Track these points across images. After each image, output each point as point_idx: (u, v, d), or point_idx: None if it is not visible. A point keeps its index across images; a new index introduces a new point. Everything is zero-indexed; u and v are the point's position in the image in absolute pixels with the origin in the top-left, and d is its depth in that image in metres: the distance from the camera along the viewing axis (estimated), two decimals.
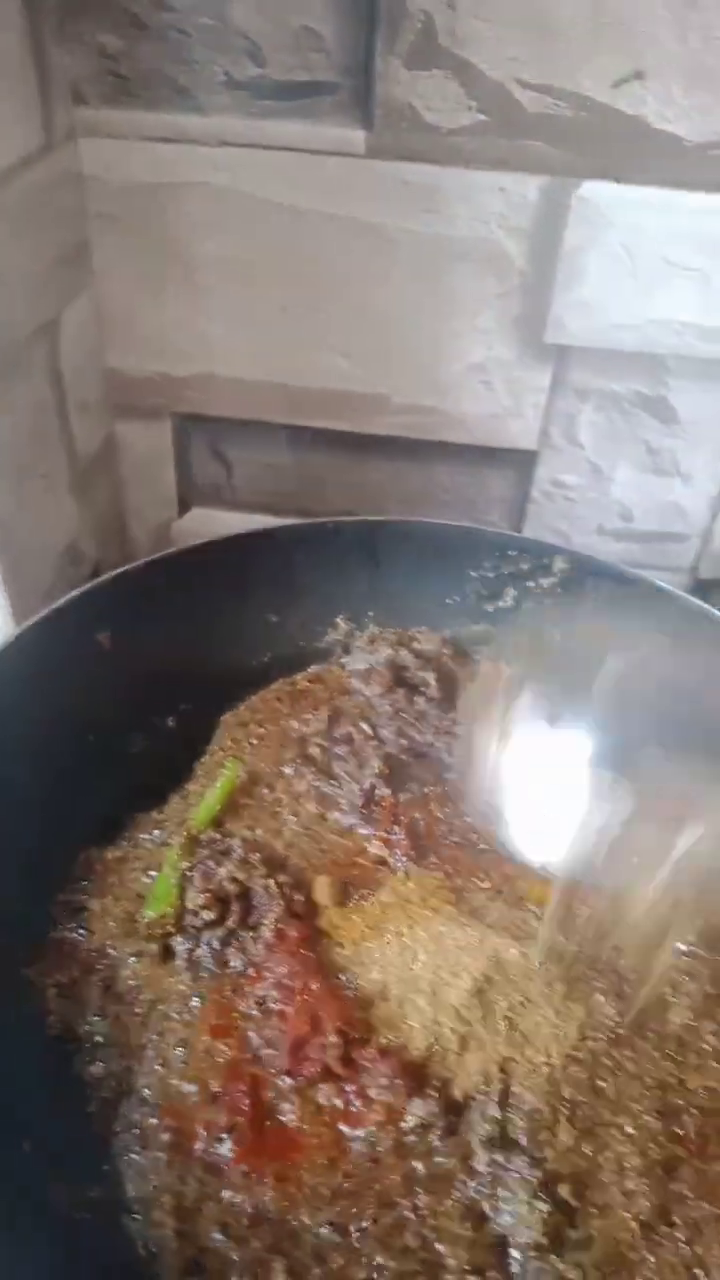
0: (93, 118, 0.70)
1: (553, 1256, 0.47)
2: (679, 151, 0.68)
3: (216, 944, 0.56)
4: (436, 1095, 0.50)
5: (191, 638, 0.69)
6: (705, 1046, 0.54)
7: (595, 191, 0.70)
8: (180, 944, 0.56)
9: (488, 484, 0.88)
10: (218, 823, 0.62)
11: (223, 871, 0.57)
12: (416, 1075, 0.50)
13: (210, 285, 0.77)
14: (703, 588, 0.89)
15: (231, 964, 0.55)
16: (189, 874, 0.57)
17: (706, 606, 0.68)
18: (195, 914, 0.56)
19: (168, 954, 0.56)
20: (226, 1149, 0.49)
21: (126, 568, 0.68)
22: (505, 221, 0.73)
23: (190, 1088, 0.51)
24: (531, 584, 0.75)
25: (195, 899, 0.56)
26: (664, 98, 0.66)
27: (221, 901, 0.57)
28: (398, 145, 0.69)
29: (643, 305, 0.75)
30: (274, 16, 0.65)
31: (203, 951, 0.56)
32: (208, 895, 0.56)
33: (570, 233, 0.72)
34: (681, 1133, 0.51)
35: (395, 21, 0.64)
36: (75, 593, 0.65)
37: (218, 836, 0.60)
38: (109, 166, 0.72)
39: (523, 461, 0.85)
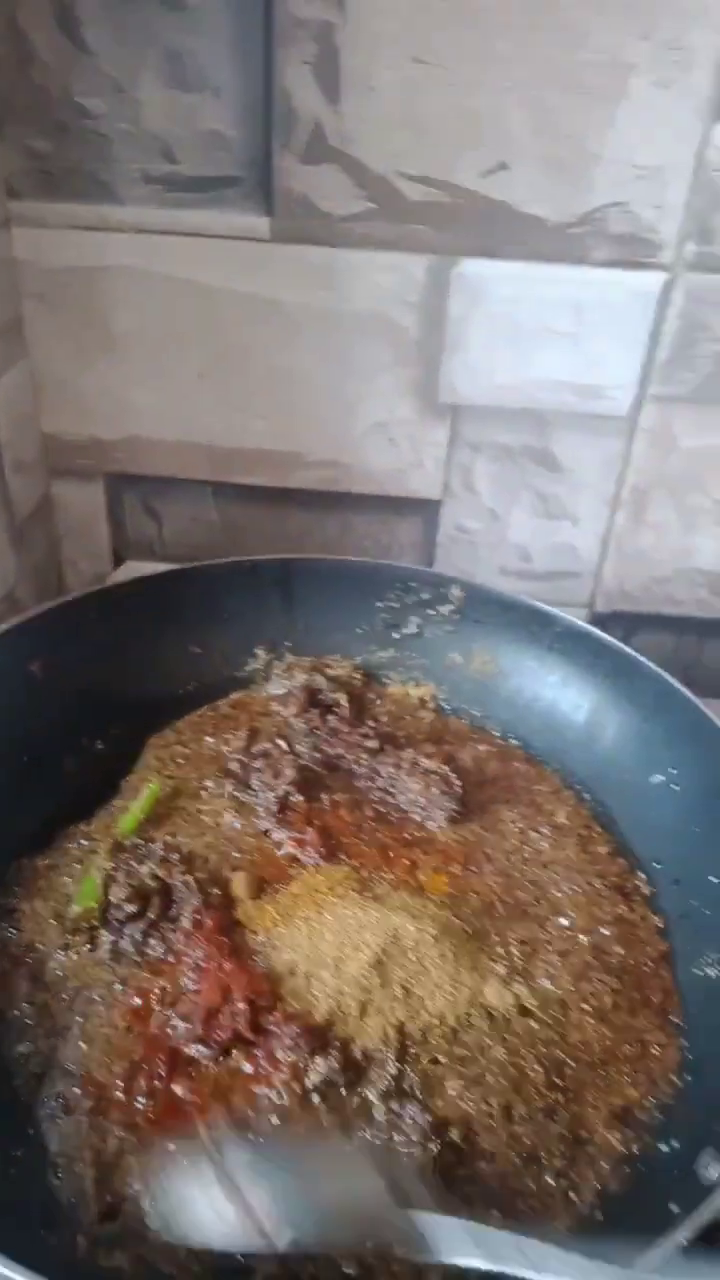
0: (24, 209, 0.79)
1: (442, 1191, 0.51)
2: (543, 230, 0.78)
3: (138, 935, 0.61)
4: (338, 1054, 0.55)
5: (120, 668, 0.75)
6: (585, 1007, 0.60)
7: (473, 268, 0.80)
8: (105, 936, 0.61)
9: (398, 531, 0.96)
10: (141, 830, 0.67)
11: (144, 870, 0.63)
12: (320, 1037, 0.55)
13: (133, 356, 0.85)
14: (599, 621, 0.97)
15: (152, 952, 0.60)
16: (113, 873, 0.62)
17: (578, 622, 0.76)
18: (119, 907, 0.61)
19: (94, 945, 0.61)
20: (145, 1112, 0.54)
21: (58, 601, 0.74)
22: (397, 296, 0.82)
23: (111, 1060, 0.55)
24: (432, 612, 0.82)
25: (119, 894, 0.61)
26: (526, 184, 0.76)
27: (143, 896, 0.62)
28: (297, 230, 0.79)
29: (522, 367, 0.84)
30: (183, 121, 0.74)
31: (125, 943, 0.60)
32: (130, 890, 0.61)
33: (453, 304, 0.81)
34: (561, 1082, 0.56)
35: (289, 124, 0.74)
36: (8, 625, 0.71)
37: (140, 841, 0.65)
38: (39, 251, 0.81)
39: (428, 509, 0.94)
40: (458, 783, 0.71)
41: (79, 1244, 0.50)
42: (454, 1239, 0.44)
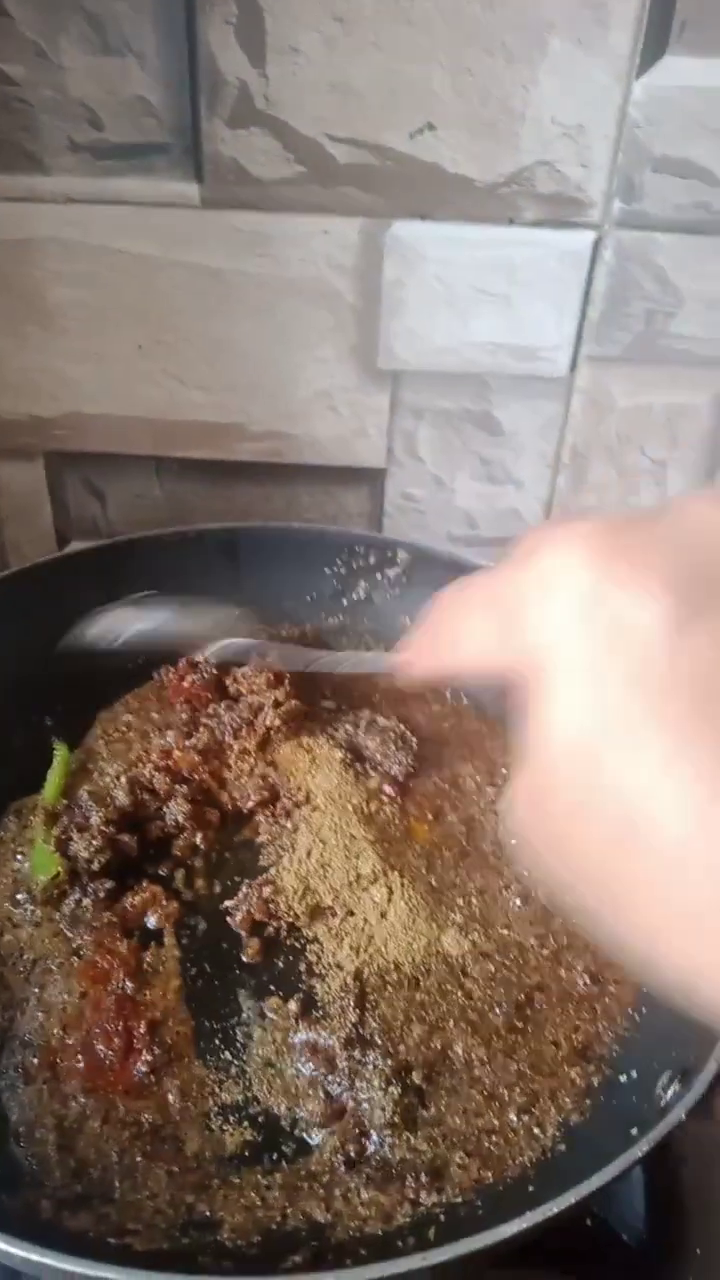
0: None
1: (406, 1133, 0.51)
2: (472, 191, 0.78)
3: (104, 892, 0.60)
4: (298, 1004, 0.55)
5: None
6: (544, 951, 0.61)
7: (406, 230, 0.80)
8: (70, 898, 0.60)
9: (345, 500, 0.96)
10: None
11: (95, 819, 0.62)
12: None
13: (69, 330, 0.84)
14: None
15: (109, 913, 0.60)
16: (64, 835, 0.62)
17: None
18: (88, 860, 0.61)
19: (58, 911, 0.60)
20: (106, 1078, 0.53)
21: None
22: (331, 261, 0.82)
23: (69, 1030, 0.55)
24: (379, 576, 0.83)
25: (82, 848, 0.61)
26: (454, 145, 0.76)
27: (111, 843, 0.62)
28: (228, 196, 0.78)
29: (460, 330, 0.85)
30: (108, 87, 0.74)
31: (88, 902, 0.60)
32: (101, 836, 0.61)
33: (388, 268, 0.82)
34: (520, 1024, 0.57)
35: (215, 89, 0.74)
36: None
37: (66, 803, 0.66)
38: None
39: (373, 478, 0.94)
40: (413, 739, 0.72)
41: (43, 1207, 0.49)
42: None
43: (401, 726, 0.72)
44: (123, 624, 0.64)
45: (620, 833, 0.26)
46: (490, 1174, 0.51)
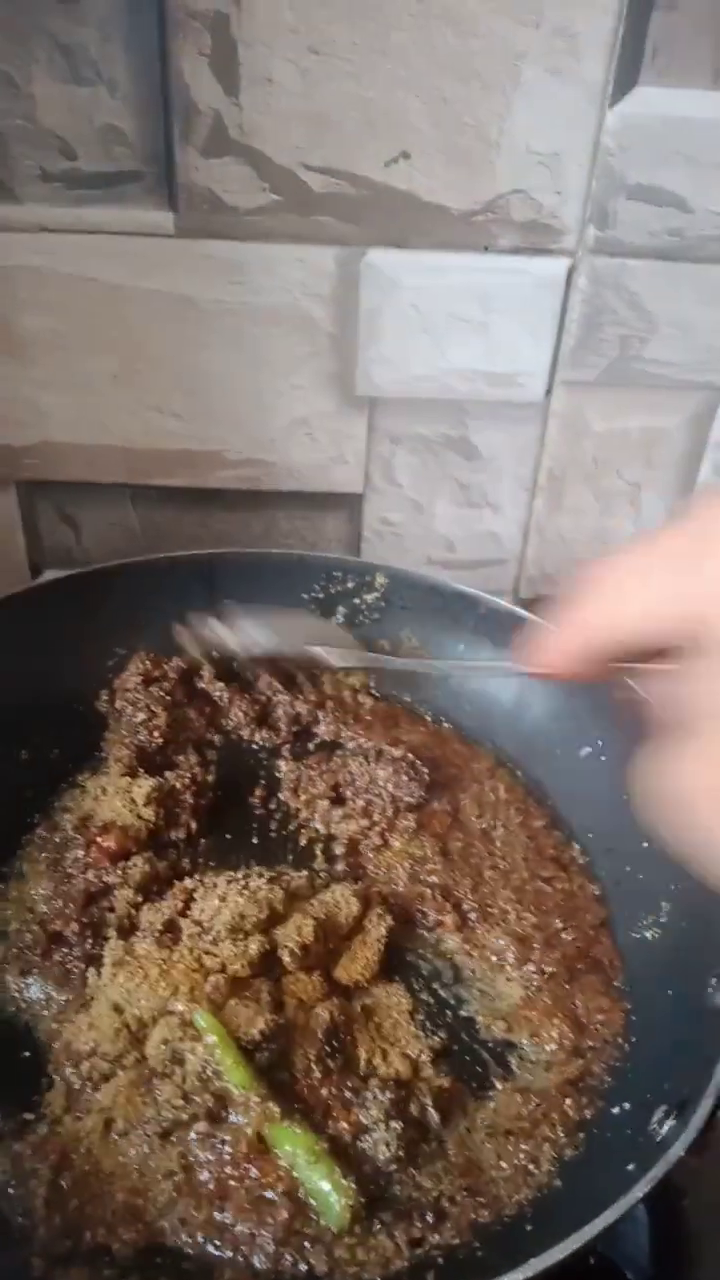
0: None
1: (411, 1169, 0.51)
2: (448, 219, 0.78)
3: None
4: None
5: (41, 674, 0.73)
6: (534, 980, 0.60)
7: (382, 258, 0.80)
8: None
9: (323, 526, 0.96)
10: None
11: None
12: None
13: (42, 359, 0.83)
14: (524, 606, 0.98)
15: None
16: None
17: (500, 602, 0.77)
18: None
19: None
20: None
21: None
22: (307, 289, 0.82)
23: None
24: (358, 600, 0.82)
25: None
26: (429, 174, 0.77)
27: None
28: (202, 225, 0.78)
29: (436, 357, 0.85)
30: (80, 117, 0.73)
31: None
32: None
33: (365, 296, 0.82)
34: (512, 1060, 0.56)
35: (188, 118, 0.74)
36: None
37: None
38: None
39: (351, 503, 0.94)
40: (424, 769, 0.71)
41: (34, 1265, 0.48)
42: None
43: (411, 755, 0.71)
44: (218, 636, 0.64)
45: None
46: (487, 1213, 0.51)
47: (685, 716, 0.30)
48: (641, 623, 0.33)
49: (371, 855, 0.68)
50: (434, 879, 0.66)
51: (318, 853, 0.69)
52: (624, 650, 0.35)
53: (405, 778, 0.70)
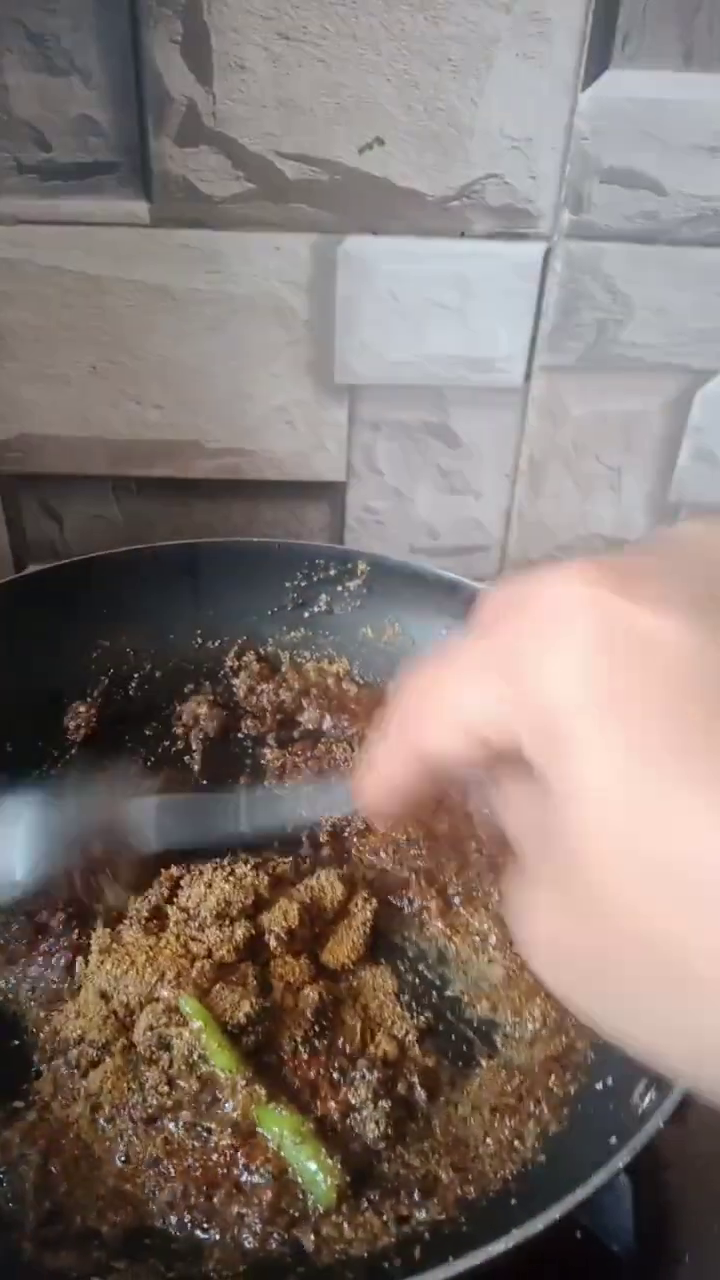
0: None
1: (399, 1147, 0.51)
2: (423, 204, 0.78)
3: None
4: None
5: (21, 669, 0.74)
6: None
7: (358, 245, 0.80)
8: None
9: (306, 515, 0.96)
10: None
11: None
12: None
13: (20, 351, 0.83)
14: None
15: None
16: None
17: (483, 586, 0.77)
18: None
19: None
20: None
21: None
22: (284, 277, 0.82)
23: None
24: (340, 588, 0.82)
25: None
26: (404, 159, 0.77)
27: None
28: (178, 214, 0.78)
29: (415, 343, 0.85)
30: (53, 107, 0.73)
31: None
32: None
33: (341, 283, 0.82)
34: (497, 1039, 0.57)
35: (162, 107, 0.73)
36: None
37: None
38: None
39: (334, 492, 0.94)
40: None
41: (24, 1249, 0.48)
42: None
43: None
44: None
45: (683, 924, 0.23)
46: (473, 1189, 0.51)
47: (520, 851, 0.27)
48: (467, 745, 0.29)
49: (356, 840, 0.69)
50: (419, 863, 0.66)
51: (303, 839, 0.69)
52: (447, 780, 0.31)
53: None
